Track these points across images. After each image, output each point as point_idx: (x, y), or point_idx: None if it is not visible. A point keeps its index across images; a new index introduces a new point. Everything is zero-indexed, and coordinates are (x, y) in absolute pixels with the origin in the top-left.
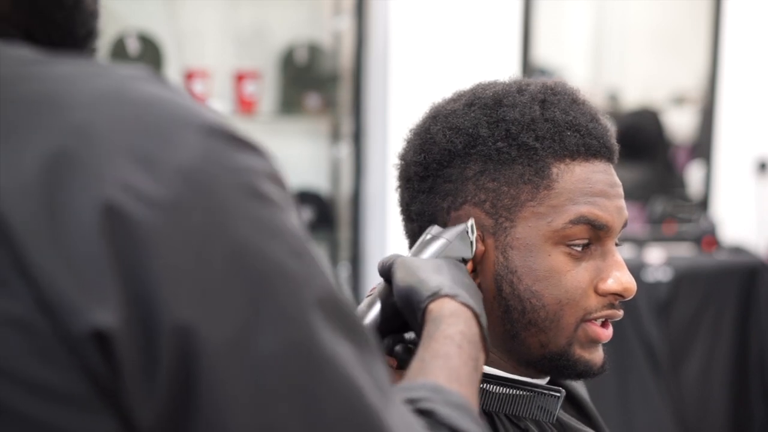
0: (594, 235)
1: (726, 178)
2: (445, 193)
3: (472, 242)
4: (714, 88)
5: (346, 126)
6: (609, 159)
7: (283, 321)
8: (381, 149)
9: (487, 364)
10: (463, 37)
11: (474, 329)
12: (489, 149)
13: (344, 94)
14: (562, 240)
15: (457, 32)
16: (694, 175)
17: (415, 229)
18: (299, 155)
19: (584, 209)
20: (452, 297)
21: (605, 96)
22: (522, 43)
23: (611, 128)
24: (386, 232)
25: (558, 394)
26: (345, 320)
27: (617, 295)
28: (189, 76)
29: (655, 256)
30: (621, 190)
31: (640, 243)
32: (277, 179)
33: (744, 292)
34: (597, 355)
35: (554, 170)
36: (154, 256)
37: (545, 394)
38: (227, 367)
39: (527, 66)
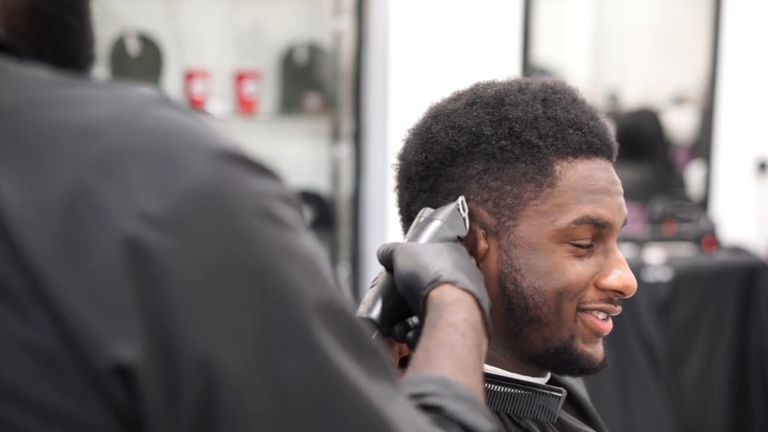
0: (596, 234)
1: (726, 178)
2: (448, 192)
3: (464, 219)
4: (714, 87)
5: (346, 126)
6: (609, 157)
7: (302, 346)
8: (381, 149)
9: (488, 362)
10: (463, 37)
11: (476, 315)
12: (492, 147)
13: (344, 94)
14: (565, 239)
15: (457, 32)
16: (694, 175)
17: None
18: (299, 155)
19: (587, 209)
20: (452, 283)
21: (605, 96)
22: (522, 43)
23: (610, 127)
24: (386, 232)
25: (559, 394)
26: (358, 340)
27: (617, 291)
28: (189, 76)
29: (655, 256)
30: (621, 188)
31: (640, 243)
32: (290, 201)
33: (744, 292)
34: (598, 350)
35: (557, 168)
36: (173, 287)
37: (546, 393)
38: (247, 395)
39: (527, 66)
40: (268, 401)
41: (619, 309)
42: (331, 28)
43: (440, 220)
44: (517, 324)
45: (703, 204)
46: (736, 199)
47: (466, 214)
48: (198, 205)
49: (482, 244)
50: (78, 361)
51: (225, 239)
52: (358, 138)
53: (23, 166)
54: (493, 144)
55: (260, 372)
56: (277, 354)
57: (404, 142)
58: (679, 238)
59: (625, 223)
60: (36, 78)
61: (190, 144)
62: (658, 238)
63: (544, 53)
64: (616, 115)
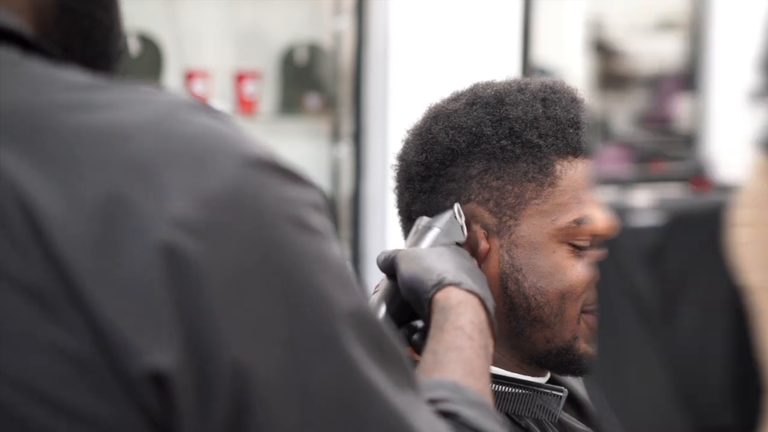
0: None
1: (719, 110)
2: (448, 192)
3: (462, 226)
4: (704, 10)
5: (346, 126)
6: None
7: (331, 355)
8: (381, 149)
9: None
10: (463, 37)
11: (482, 316)
12: (493, 147)
13: (344, 93)
14: (566, 238)
15: (457, 32)
16: (683, 108)
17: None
18: (299, 155)
19: (588, 210)
20: (457, 285)
21: (589, 25)
22: (522, 43)
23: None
24: (386, 233)
25: (560, 394)
26: (386, 349)
27: None
28: (189, 77)
29: (642, 198)
30: None
31: (625, 184)
32: (321, 209)
33: None
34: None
35: (558, 167)
36: (208, 294)
37: (547, 393)
38: (277, 403)
39: (527, 66)
40: (297, 410)
41: None
42: (331, 28)
43: (438, 228)
44: (519, 324)
45: (695, 139)
46: (731, 133)
47: (462, 221)
48: (231, 212)
49: (483, 245)
50: (112, 367)
51: (258, 246)
52: (358, 138)
53: (58, 171)
54: (493, 144)
55: (290, 380)
56: (307, 362)
57: (404, 143)
58: (667, 177)
59: None
60: (68, 81)
61: (223, 150)
62: (645, 178)
63: (544, 53)
64: (601, 46)
